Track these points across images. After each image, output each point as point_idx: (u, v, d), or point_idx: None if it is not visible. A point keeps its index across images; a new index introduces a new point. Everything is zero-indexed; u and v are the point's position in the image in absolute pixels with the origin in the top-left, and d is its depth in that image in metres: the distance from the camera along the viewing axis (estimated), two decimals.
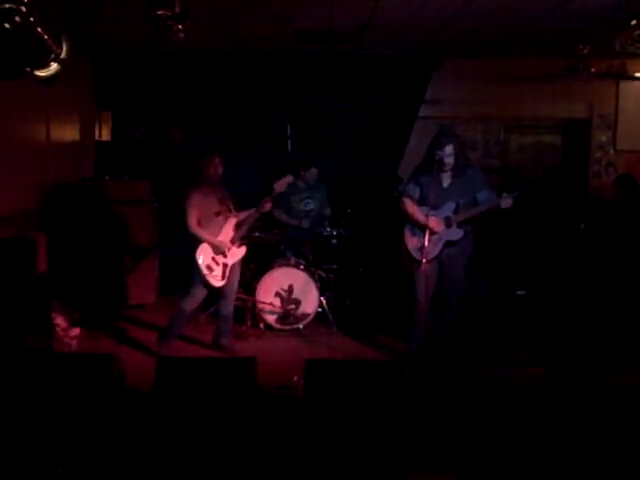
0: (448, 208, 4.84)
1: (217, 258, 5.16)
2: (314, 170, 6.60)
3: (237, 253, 5.28)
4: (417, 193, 4.93)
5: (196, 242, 5.10)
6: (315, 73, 7.41)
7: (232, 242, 5.22)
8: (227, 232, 5.21)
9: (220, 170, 5.16)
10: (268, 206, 5.17)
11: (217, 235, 5.16)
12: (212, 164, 5.12)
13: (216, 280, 5.15)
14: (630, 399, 3.21)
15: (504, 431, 3.16)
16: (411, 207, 4.91)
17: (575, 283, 6.31)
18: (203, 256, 5.10)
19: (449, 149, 4.74)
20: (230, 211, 5.25)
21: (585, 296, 6.10)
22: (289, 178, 5.19)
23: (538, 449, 3.09)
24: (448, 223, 4.81)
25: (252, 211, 5.23)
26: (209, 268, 5.11)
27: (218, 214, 5.17)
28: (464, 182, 4.85)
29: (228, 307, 5.34)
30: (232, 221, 5.24)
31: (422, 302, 4.83)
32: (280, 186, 5.14)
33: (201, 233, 5.09)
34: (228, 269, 5.20)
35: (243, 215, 5.28)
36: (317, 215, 6.62)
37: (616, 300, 5.79)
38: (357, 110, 7.49)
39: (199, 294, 5.20)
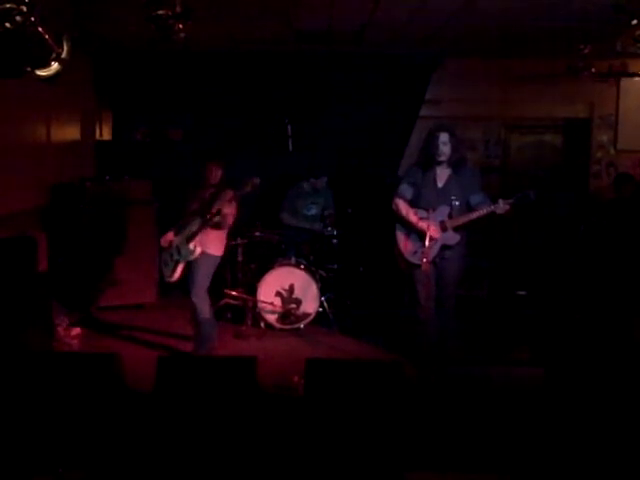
0: (443, 212, 4.76)
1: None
2: (324, 178, 6.63)
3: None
4: (410, 193, 4.85)
5: None
6: (315, 73, 7.40)
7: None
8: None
9: (216, 174, 5.11)
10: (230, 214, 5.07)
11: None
12: (206, 169, 5.11)
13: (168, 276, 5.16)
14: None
15: (503, 431, 3.16)
16: (405, 209, 4.83)
17: (575, 283, 6.32)
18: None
19: (444, 137, 4.69)
20: (208, 213, 5.04)
21: (585, 296, 6.10)
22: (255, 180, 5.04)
23: (538, 448, 3.09)
24: (443, 227, 4.74)
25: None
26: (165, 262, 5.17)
27: (193, 213, 5.13)
28: (460, 182, 4.78)
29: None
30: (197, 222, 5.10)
31: (425, 303, 4.79)
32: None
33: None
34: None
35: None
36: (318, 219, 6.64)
37: (616, 299, 5.79)
38: (357, 110, 7.48)
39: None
